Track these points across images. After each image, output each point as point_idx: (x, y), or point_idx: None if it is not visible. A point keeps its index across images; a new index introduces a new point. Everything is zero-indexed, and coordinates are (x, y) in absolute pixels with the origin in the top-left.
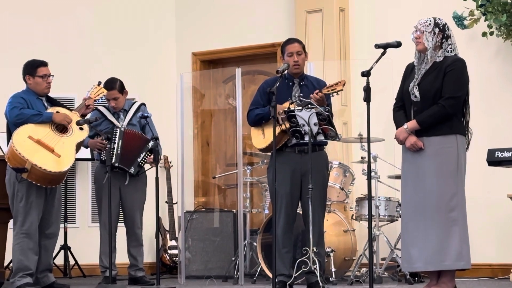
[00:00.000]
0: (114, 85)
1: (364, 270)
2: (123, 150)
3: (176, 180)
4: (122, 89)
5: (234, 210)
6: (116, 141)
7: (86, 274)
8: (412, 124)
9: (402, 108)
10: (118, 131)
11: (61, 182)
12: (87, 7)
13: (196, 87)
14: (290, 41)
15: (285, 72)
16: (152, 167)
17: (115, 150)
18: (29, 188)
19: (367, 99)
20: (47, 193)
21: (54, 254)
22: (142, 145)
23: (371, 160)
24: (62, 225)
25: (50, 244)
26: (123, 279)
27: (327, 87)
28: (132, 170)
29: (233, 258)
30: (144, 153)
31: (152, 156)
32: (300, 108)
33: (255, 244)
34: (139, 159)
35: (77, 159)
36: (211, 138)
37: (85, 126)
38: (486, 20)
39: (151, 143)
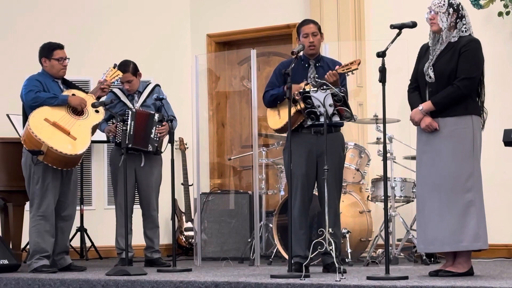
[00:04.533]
0: (127, 68)
1: (380, 251)
2: (135, 131)
3: (191, 162)
4: (135, 72)
5: (249, 192)
6: (129, 123)
7: (102, 256)
8: (427, 105)
9: (417, 89)
10: (130, 113)
11: (77, 165)
12: None
13: (211, 69)
14: (305, 22)
15: (301, 53)
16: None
17: (127, 131)
18: (45, 171)
19: (382, 79)
20: (63, 175)
21: (70, 236)
22: (150, 121)
23: (387, 141)
24: (78, 207)
25: (66, 226)
26: (139, 261)
27: (342, 66)
28: (150, 148)
29: (249, 240)
30: (154, 127)
31: (162, 127)
32: (315, 89)
33: (271, 225)
34: (152, 135)
35: (92, 141)
36: (226, 120)
37: (101, 109)
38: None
39: (156, 115)
